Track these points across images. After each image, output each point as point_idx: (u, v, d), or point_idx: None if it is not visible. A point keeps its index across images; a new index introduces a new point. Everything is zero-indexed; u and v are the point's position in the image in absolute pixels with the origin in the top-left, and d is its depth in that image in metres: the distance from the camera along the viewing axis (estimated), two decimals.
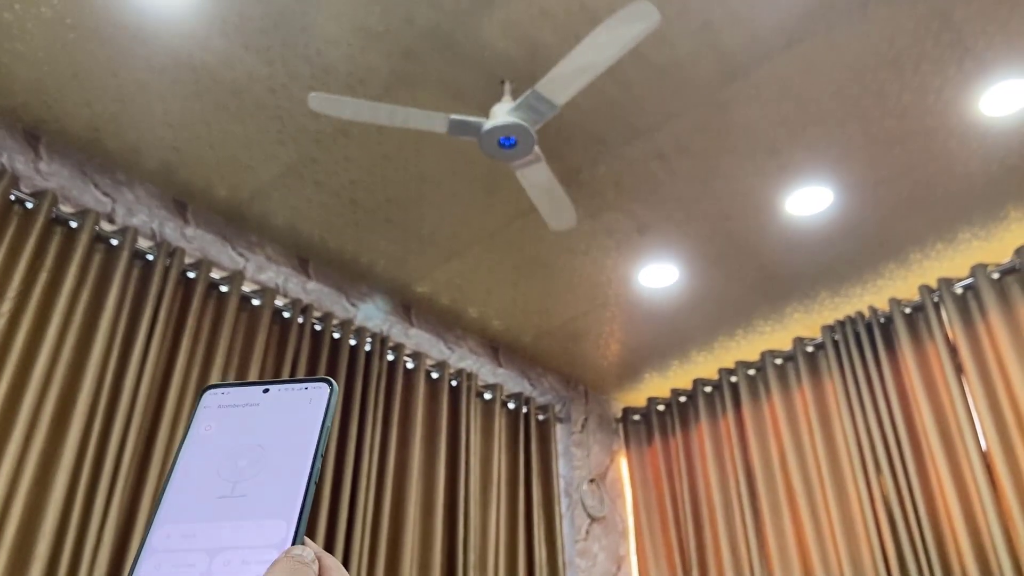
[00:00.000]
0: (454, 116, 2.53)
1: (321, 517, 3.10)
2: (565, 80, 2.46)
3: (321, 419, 0.54)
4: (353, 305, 3.67)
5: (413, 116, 2.55)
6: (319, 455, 0.52)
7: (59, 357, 2.66)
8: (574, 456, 4.32)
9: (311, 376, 0.56)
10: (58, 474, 2.51)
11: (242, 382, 0.56)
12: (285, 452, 0.52)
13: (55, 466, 2.52)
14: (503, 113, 2.54)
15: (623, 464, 4.57)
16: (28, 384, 2.54)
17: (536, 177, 2.75)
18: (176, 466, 0.52)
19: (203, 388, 0.55)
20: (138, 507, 2.65)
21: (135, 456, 2.71)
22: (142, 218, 3.09)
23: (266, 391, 0.55)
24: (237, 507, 0.49)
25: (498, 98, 2.77)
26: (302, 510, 0.49)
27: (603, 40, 2.34)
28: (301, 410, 0.54)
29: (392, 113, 2.55)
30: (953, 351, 3.52)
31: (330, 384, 0.55)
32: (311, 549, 0.47)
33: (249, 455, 0.51)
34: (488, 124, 2.52)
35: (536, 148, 2.61)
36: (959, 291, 3.60)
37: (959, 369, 3.48)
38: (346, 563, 3.12)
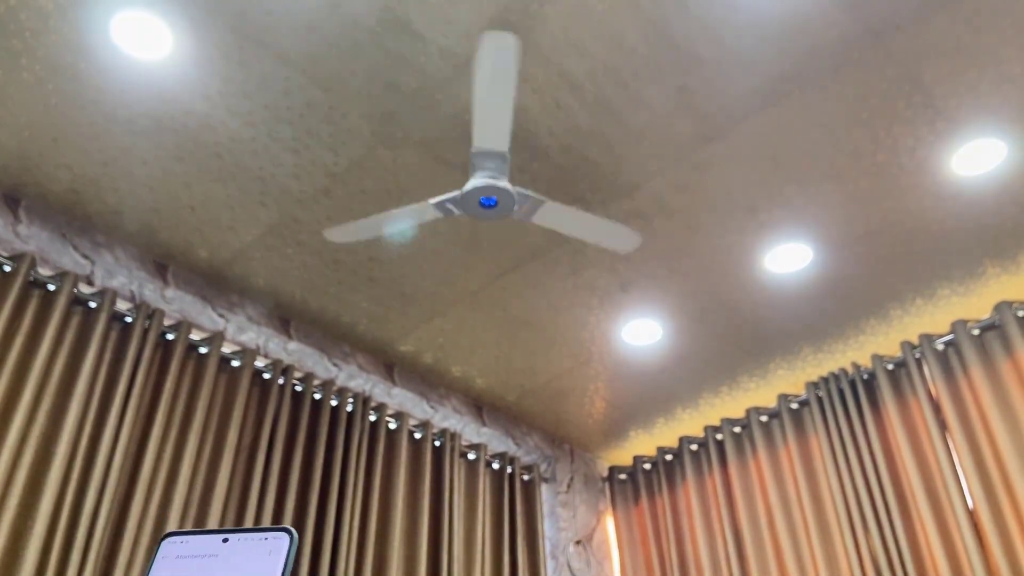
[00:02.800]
0: (432, 200, 2.56)
1: None
2: (489, 127, 2.46)
3: (280, 572, 0.53)
4: (335, 365, 3.64)
5: (407, 215, 2.62)
6: None
7: (33, 422, 2.61)
8: (560, 517, 4.26)
9: (272, 526, 0.55)
10: (29, 545, 2.44)
11: (201, 530, 0.55)
12: None
13: (26, 537, 2.45)
14: (505, 180, 2.55)
15: (610, 524, 4.50)
16: (0, 450, 2.49)
17: (554, 217, 2.71)
18: None
19: (162, 536, 0.54)
20: (114, 565, 2.57)
21: (108, 526, 2.65)
22: (121, 280, 3.08)
23: (225, 540, 0.54)
24: None
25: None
26: None
27: (486, 78, 2.36)
28: (260, 561, 0.53)
29: (394, 221, 2.65)
30: (936, 407, 3.52)
31: (290, 534, 0.55)
32: None
33: None
34: (462, 192, 2.51)
35: (526, 194, 2.58)
36: (940, 347, 3.62)
37: (943, 425, 3.47)
38: None
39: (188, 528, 2.80)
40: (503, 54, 2.27)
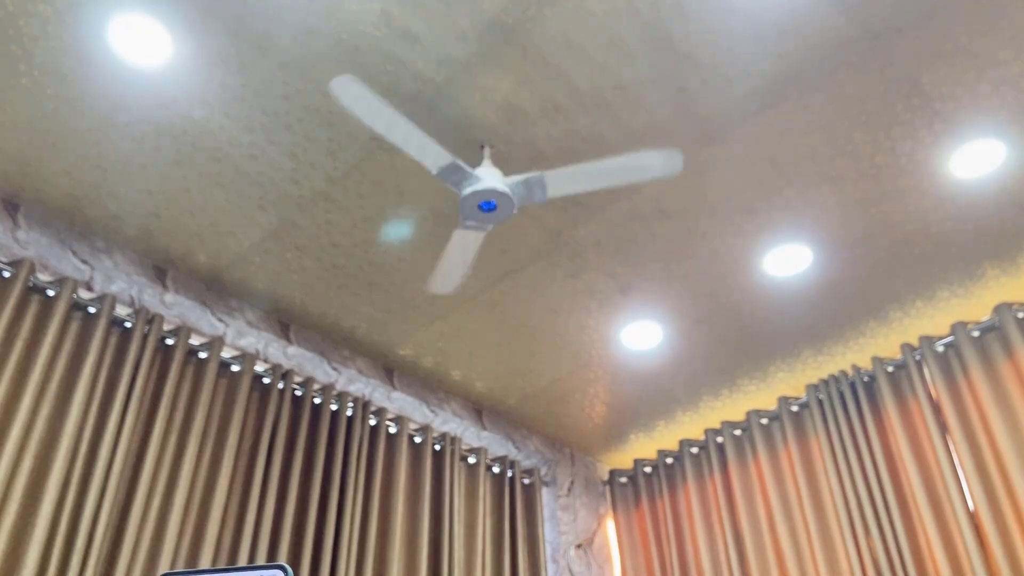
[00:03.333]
0: (457, 160, 2.47)
1: None
2: (568, 181, 2.52)
3: None
4: (335, 369, 3.64)
5: (419, 141, 2.41)
6: None
7: (33, 428, 2.61)
8: (560, 521, 4.25)
9: (267, 564, 0.56)
10: (30, 549, 2.44)
11: (199, 570, 0.56)
12: None
13: (27, 541, 2.45)
14: (495, 178, 2.54)
15: (611, 527, 4.49)
16: (0, 457, 2.49)
17: (468, 243, 2.75)
18: None
19: (160, 575, 0.57)
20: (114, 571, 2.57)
21: (109, 531, 2.64)
22: (121, 285, 3.08)
23: None
24: None
25: (478, 162, 2.79)
26: None
27: (624, 166, 2.45)
28: None
29: (407, 132, 2.39)
30: (937, 409, 3.52)
31: (284, 571, 0.55)
32: None
33: None
34: (481, 184, 2.51)
35: (519, 180, 2.57)
36: (940, 349, 3.61)
37: (943, 427, 3.47)
38: None
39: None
40: (657, 167, 2.39)
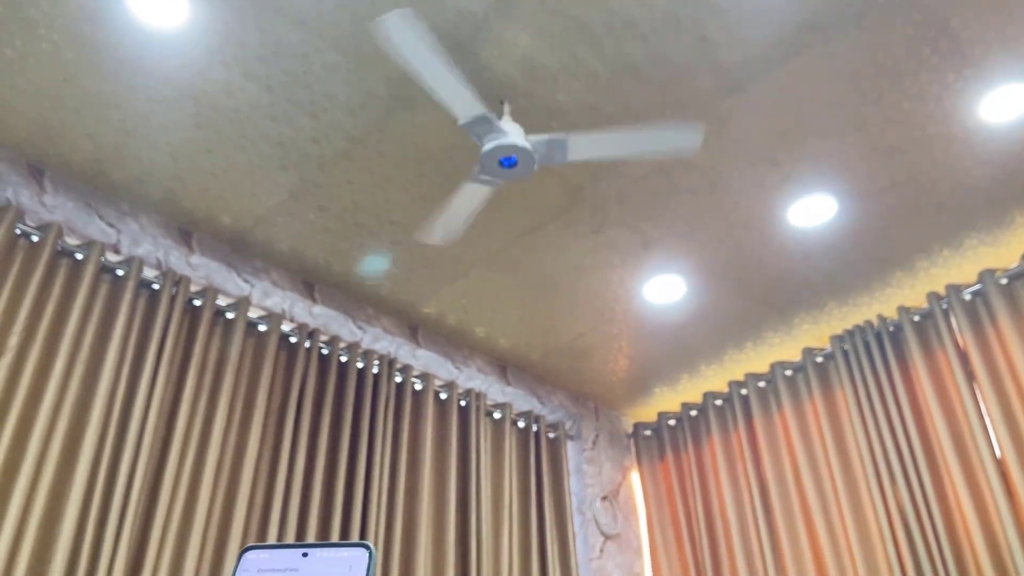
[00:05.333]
0: (489, 112, 2.45)
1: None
2: (590, 147, 2.51)
3: None
4: (360, 328, 3.68)
5: (451, 86, 2.36)
6: None
7: (67, 389, 2.66)
8: (586, 473, 4.30)
9: (351, 541, 0.58)
10: (68, 507, 2.51)
11: (282, 544, 0.57)
12: None
13: (64, 499, 2.52)
14: (518, 135, 2.53)
15: (636, 480, 4.54)
16: (36, 417, 2.55)
17: (474, 197, 2.75)
18: None
19: (243, 549, 0.56)
20: (148, 539, 2.64)
21: (145, 487, 2.71)
22: (147, 248, 3.11)
23: (305, 555, 0.56)
24: None
25: (497, 118, 2.77)
26: None
27: (645, 138, 2.45)
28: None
29: (439, 75, 2.33)
30: (964, 358, 3.49)
31: (368, 550, 0.56)
32: None
33: None
34: (509, 140, 2.50)
35: (543, 139, 2.57)
36: (968, 298, 3.58)
37: (971, 376, 3.45)
38: None
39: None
40: (679, 140, 2.37)
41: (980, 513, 3.22)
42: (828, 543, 3.58)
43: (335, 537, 3.13)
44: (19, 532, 2.40)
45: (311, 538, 3.07)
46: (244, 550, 0.56)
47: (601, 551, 4.12)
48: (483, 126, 2.48)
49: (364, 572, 0.55)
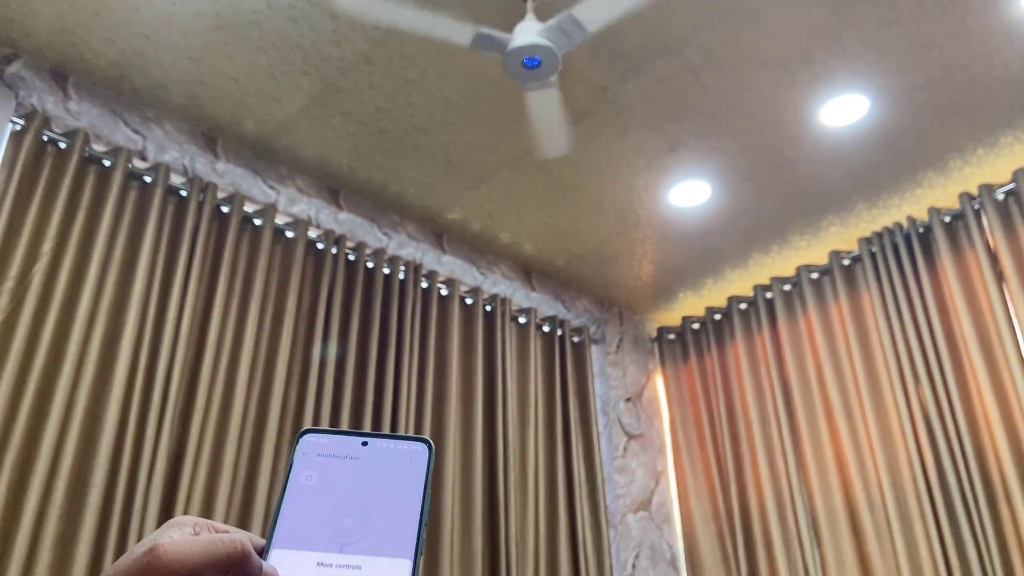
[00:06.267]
0: (481, 29, 2.45)
1: None
2: (601, 7, 2.41)
3: (423, 485, 0.53)
4: (385, 235, 3.70)
5: (438, 24, 2.46)
6: (423, 525, 0.51)
7: (102, 294, 2.72)
8: (610, 376, 4.37)
9: (411, 435, 0.57)
10: (109, 406, 2.60)
11: (340, 431, 0.56)
12: (389, 518, 0.51)
13: (105, 400, 2.61)
14: (530, 32, 2.48)
15: (659, 383, 4.61)
16: (73, 321, 2.62)
17: (545, 102, 2.70)
18: (279, 519, 0.51)
19: (300, 432, 0.55)
20: (188, 434, 2.74)
21: (182, 385, 2.80)
22: (173, 154, 3.12)
23: (365, 444, 0.55)
24: (343, 572, 0.49)
25: (521, 16, 2.71)
26: None
27: None
28: (402, 471, 0.54)
29: (417, 19, 2.47)
30: (994, 258, 3.46)
31: (428, 446, 0.55)
32: None
33: (354, 514, 0.51)
34: (514, 43, 2.47)
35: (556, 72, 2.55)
36: (1000, 197, 3.52)
37: (1000, 276, 3.42)
38: None
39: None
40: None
41: (1003, 411, 3.24)
42: (850, 442, 3.64)
43: None
44: (63, 430, 2.50)
45: None
46: (302, 433, 0.55)
47: (624, 450, 4.22)
48: (489, 42, 2.44)
49: (424, 468, 0.54)
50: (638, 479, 4.20)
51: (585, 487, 3.87)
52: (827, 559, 3.53)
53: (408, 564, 0.49)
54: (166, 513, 2.64)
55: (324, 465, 0.53)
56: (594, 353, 4.39)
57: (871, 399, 3.62)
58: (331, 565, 0.49)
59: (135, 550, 0.46)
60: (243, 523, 2.82)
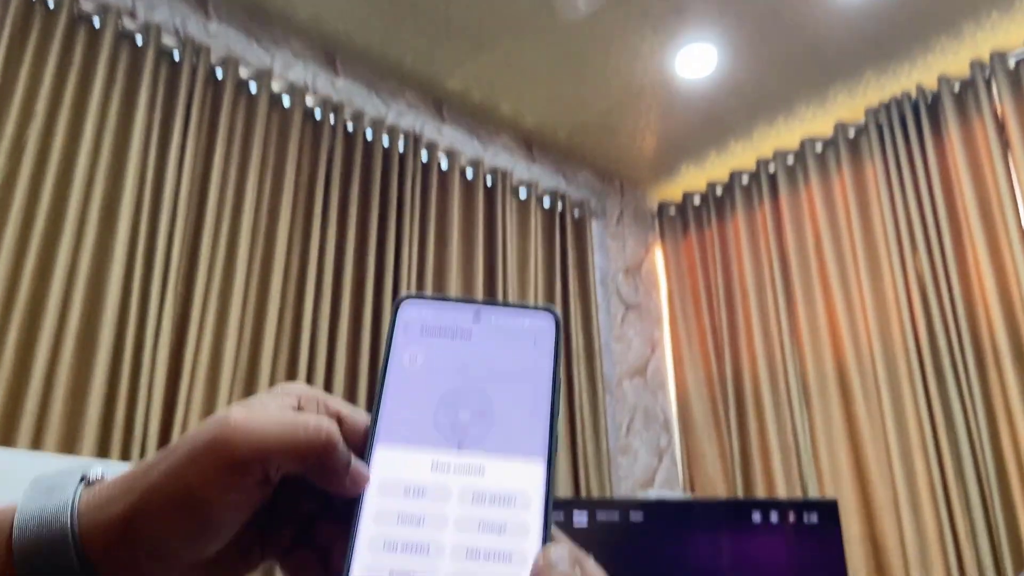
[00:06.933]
0: None
1: (366, 321, 3.22)
2: None
3: (551, 369, 0.44)
4: (384, 103, 3.64)
5: None
6: (556, 418, 0.42)
7: (99, 157, 2.70)
8: (610, 249, 4.39)
9: (528, 304, 0.47)
10: (112, 269, 2.62)
11: (446, 298, 0.46)
12: (514, 410, 0.42)
13: (108, 263, 2.63)
14: None
15: (658, 256, 4.64)
16: (72, 184, 2.61)
17: None
18: (381, 409, 0.42)
19: (400, 299, 0.45)
20: (192, 296, 2.78)
21: (184, 248, 2.81)
22: (164, 14, 3.03)
23: (477, 316, 0.45)
24: (462, 478, 0.41)
25: None
26: (547, 495, 0.40)
27: None
28: (524, 351, 0.44)
29: None
30: (1001, 127, 3.41)
31: (555, 319, 0.45)
32: (566, 549, 0.38)
33: (472, 405, 0.42)
34: None
35: None
36: (1012, 64, 3.44)
37: (1006, 145, 3.38)
38: None
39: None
40: None
41: (999, 279, 3.26)
42: (844, 310, 3.68)
43: (368, 311, 3.25)
44: (67, 291, 2.54)
45: (345, 309, 3.20)
46: (401, 301, 0.45)
47: (622, 320, 4.29)
48: None
49: (551, 348, 0.44)
50: (635, 347, 4.29)
51: (583, 355, 3.95)
52: (815, 421, 3.64)
53: (540, 466, 0.40)
54: (174, 373, 2.71)
55: (430, 344, 0.44)
56: (594, 227, 4.39)
57: (868, 269, 3.65)
58: (448, 467, 0.40)
59: (214, 416, 0.40)
60: (249, 387, 2.90)
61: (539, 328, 0.44)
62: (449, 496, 0.40)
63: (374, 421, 0.42)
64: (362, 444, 0.41)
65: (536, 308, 0.45)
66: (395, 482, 0.40)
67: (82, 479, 0.41)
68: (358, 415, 0.43)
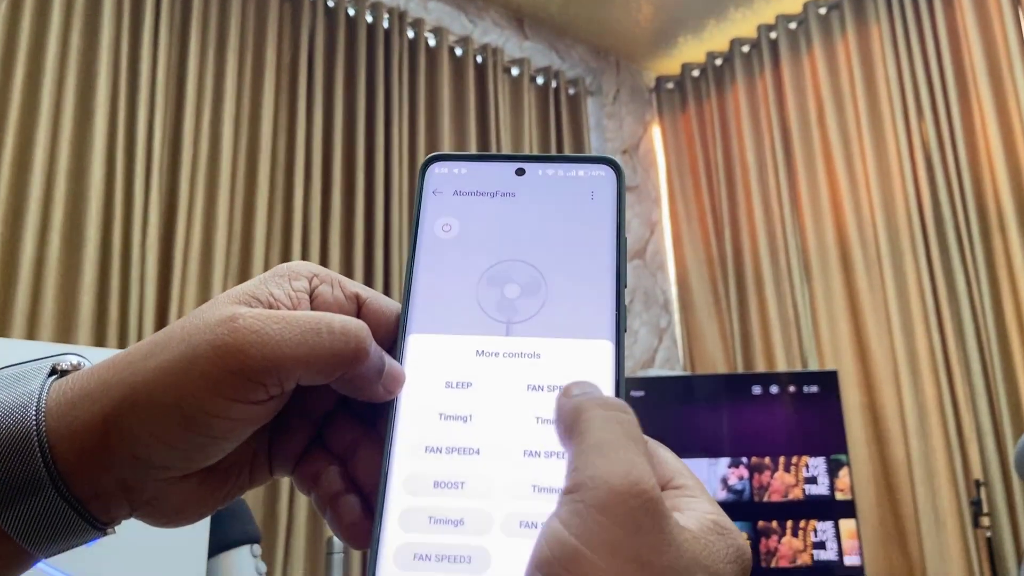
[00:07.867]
0: None
1: (358, 206, 3.15)
2: None
3: (614, 228, 0.36)
4: None
5: None
6: (622, 288, 0.35)
7: (69, 45, 2.58)
8: (606, 129, 4.27)
9: (587, 155, 0.39)
10: (93, 162, 2.54)
11: (482, 155, 0.39)
12: (571, 281, 0.35)
13: (88, 155, 2.55)
14: None
15: (656, 134, 4.52)
16: (43, 72, 2.50)
17: None
18: (412, 290, 0.36)
19: (426, 160, 0.39)
20: (177, 187, 2.71)
21: (166, 139, 2.72)
22: None
23: (521, 172, 0.38)
24: (512, 368, 0.34)
25: None
26: (617, 382, 0.33)
27: None
28: (580, 208, 0.37)
29: None
30: None
31: (616, 168, 0.38)
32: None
33: (520, 278, 0.36)
34: None
35: None
36: None
37: (1017, 3, 3.22)
38: (386, 256, 3.22)
39: None
40: None
41: (1007, 143, 3.17)
42: (846, 180, 3.60)
43: (361, 195, 3.18)
44: (48, 188, 2.46)
45: (336, 193, 3.13)
46: (428, 161, 0.39)
47: None
48: None
49: (613, 202, 0.37)
50: (634, 229, 4.24)
51: None
52: (816, 294, 3.62)
53: (608, 346, 0.34)
54: (165, 266, 2.67)
55: (467, 207, 0.37)
56: (590, 105, 4.26)
57: (872, 136, 3.54)
58: (496, 354, 0.34)
59: (213, 309, 0.33)
60: (243, 277, 2.86)
61: (597, 180, 0.37)
62: (499, 388, 0.34)
63: (405, 304, 0.36)
64: (389, 335, 0.35)
65: (592, 158, 0.38)
66: (435, 375, 0.34)
67: (53, 371, 0.34)
68: (381, 300, 0.36)
